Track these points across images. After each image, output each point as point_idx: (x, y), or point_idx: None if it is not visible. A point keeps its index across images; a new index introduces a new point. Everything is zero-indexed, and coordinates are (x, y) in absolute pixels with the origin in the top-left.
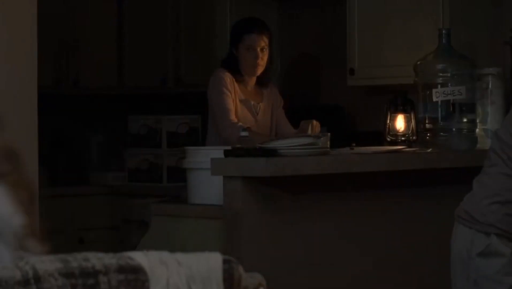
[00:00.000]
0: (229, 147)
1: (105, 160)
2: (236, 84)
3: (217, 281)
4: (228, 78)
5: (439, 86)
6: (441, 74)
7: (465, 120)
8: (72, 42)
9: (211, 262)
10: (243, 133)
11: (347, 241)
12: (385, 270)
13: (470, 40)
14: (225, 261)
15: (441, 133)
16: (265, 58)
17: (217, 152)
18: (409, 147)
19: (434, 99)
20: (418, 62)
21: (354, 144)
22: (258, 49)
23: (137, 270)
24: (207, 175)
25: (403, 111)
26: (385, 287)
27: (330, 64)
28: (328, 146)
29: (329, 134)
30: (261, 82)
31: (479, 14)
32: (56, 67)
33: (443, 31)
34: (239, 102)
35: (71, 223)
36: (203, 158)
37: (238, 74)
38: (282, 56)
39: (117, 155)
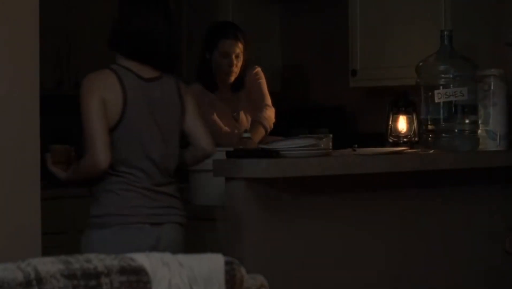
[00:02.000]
0: (231, 148)
1: None
2: (209, 94)
3: (219, 282)
4: (200, 93)
5: (441, 87)
6: (443, 76)
7: (467, 121)
8: (73, 43)
9: (213, 263)
10: (245, 135)
11: (348, 242)
12: (386, 271)
13: (471, 41)
14: (227, 263)
15: (443, 134)
16: (239, 64)
17: (219, 153)
18: (411, 148)
19: (436, 100)
20: (420, 64)
21: (356, 146)
22: (233, 56)
23: (139, 271)
24: (209, 176)
25: (405, 113)
26: (385, 288)
27: (332, 65)
28: (330, 147)
29: (331, 135)
30: (236, 87)
31: (480, 15)
32: (57, 68)
33: (445, 33)
34: (215, 111)
35: (73, 224)
36: None
37: (211, 83)
38: (284, 57)
39: None
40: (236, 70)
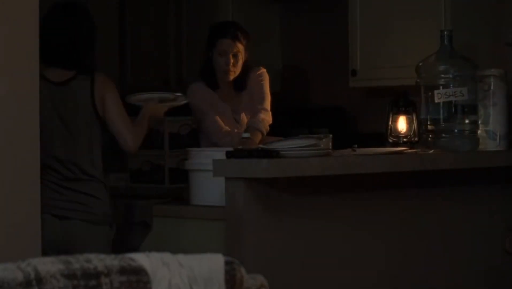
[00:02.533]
0: (231, 148)
1: (106, 161)
2: (211, 92)
3: (219, 282)
4: (201, 92)
5: (441, 87)
6: (443, 76)
7: (467, 121)
8: None
9: (213, 263)
10: (245, 135)
11: (349, 242)
12: (387, 271)
13: (472, 41)
14: (227, 263)
15: (443, 134)
16: (239, 64)
17: (219, 153)
18: (411, 148)
19: (436, 101)
20: (420, 64)
21: (356, 146)
22: (231, 55)
23: (139, 271)
24: (209, 176)
25: (405, 113)
26: (385, 288)
27: (332, 65)
28: (330, 147)
29: (331, 135)
30: (238, 87)
31: (480, 15)
32: None
33: (445, 33)
34: (218, 111)
35: None
36: (205, 159)
37: (213, 81)
38: (284, 57)
39: (118, 156)
40: (234, 69)
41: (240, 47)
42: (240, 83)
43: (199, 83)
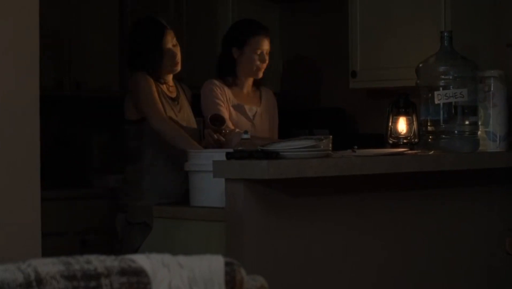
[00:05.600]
0: (231, 150)
1: (107, 162)
2: (227, 91)
3: (219, 283)
4: (218, 88)
5: (441, 88)
6: (443, 77)
7: (467, 122)
8: (74, 43)
9: (213, 264)
10: (245, 136)
11: (348, 243)
12: (387, 271)
13: (472, 42)
14: (227, 264)
15: (443, 136)
16: (268, 61)
17: (219, 154)
18: (411, 149)
19: (436, 102)
20: (420, 65)
21: (356, 147)
22: (265, 52)
23: (139, 273)
24: (209, 178)
25: (405, 114)
26: (385, 288)
27: (332, 66)
28: (330, 148)
29: (331, 136)
30: (258, 83)
31: (481, 16)
32: (58, 69)
33: (445, 34)
34: (232, 108)
35: (73, 226)
36: (205, 160)
37: (233, 78)
38: (284, 58)
39: (118, 157)
40: (265, 66)
41: (269, 44)
42: (261, 81)
43: (215, 80)
